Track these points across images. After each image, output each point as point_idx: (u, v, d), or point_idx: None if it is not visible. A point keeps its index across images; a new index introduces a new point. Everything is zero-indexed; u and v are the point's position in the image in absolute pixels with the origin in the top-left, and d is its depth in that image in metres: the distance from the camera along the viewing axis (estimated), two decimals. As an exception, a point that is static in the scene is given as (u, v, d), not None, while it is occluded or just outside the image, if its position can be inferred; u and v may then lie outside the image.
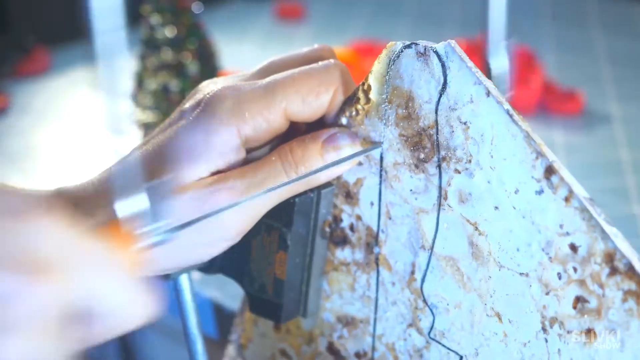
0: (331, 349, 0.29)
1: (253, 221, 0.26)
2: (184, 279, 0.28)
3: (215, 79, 0.28)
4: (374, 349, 0.28)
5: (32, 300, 0.16)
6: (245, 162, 0.26)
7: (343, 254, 0.28)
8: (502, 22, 0.26)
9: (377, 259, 0.27)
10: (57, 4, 0.70)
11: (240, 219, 0.25)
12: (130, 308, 0.18)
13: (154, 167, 0.25)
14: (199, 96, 0.26)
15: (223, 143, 0.25)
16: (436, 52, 0.25)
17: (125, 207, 0.20)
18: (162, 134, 0.26)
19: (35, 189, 0.26)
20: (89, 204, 0.25)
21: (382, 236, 0.27)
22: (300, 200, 0.27)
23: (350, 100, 0.27)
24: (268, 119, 0.25)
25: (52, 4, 0.69)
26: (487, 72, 0.27)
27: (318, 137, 0.26)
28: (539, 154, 0.24)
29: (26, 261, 0.17)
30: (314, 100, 0.26)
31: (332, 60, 0.27)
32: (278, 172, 0.25)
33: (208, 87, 0.27)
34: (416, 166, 0.26)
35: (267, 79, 0.26)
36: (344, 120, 0.27)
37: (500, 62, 0.27)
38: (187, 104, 0.26)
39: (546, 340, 0.24)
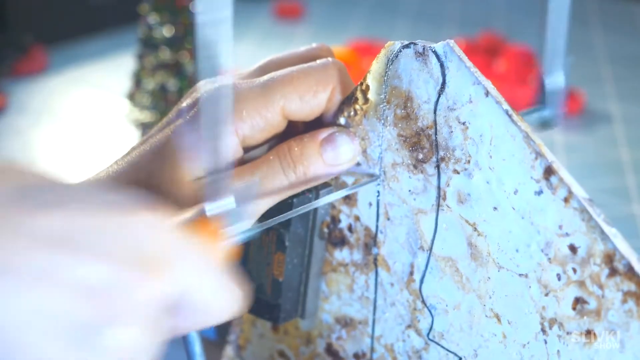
0: (330, 350, 0.29)
1: (254, 218, 0.26)
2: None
3: (213, 78, 0.27)
4: (372, 350, 0.28)
5: (139, 293, 0.17)
6: (242, 162, 0.26)
7: (341, 254, 0.28)
8: (562, 35, 0.26)
9: (375, 260, 0.27)
10: (54, 3, 0.69)
11: None
12: (222, 302, 0.19)
13: (151, 167, 0.25)
14: (196, 95, 0.26)
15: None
16: (435, 52, 0.25)
17: (213, 206, 0.21)
18: (160, 133, 0.26)
19: None
20: None
21: (380, 237, 0.27)
22: (298, 201, 0.26)
23: (348, 100, 0.27)
24: (266, 117, 0.25)
25: (49, 3, 0.69)
26: (542, 89, 0.27)
27: (317, 135, 0.26)
28: (538, 155, 0.23)
29: (134, 256, 0.17)
30: (311, 98, 0.26)
31: (329, 59, 0.26)
32: (276, 171, 0.25)
33: (206, 85, 0.27)
34: (415, 166, 0.26)
35: (265, 77, 0.26)
36: (342, 120, 0.27)
37: (556, 78, 0.27)
38: (185, 103, 0.26)
39: (545, 342, 0.24)
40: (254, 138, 0.26)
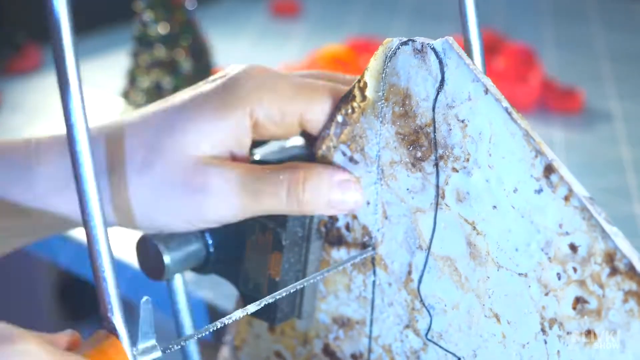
0: (327, 350, 0.28)
1: (238, 218, 0.26)
2: (177, 280, 0.28)
3: (253, 65, 0.27)
4: (370, 350, 0.28)
5: None
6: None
7: (339, 254, 0.28)
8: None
9: (373, 259, 0.27)
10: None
11: (225, 208, 0.25)
12: None
13: (160, 127, 0.25)
14: (229, 69, 0.27)
15: (234, 121, 0.25)
16: (433, 49, 0.24)
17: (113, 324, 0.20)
18: (181, 94, 0.26)
19: (27, 138, 0.26)
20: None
21: (378, 236, 0.27)
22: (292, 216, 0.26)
23: (345, 98, 0.26)
24: (283, 114, 0.25)
25: (43, 1, 0.68)
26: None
27: (334, 176, 0.26)
28: (538, 153, 0.23)
29: None
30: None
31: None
32: (279, 192, 0.25)
33: (242, 65, 0.27)
34: (413, 165, 0.25)
35: (299, 80, 0.26)
36: (339, 118, 0.26)
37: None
38: (217, 74, 0.27)
39: (545, 342, 0.24)
40: (265, 128, 0.26)
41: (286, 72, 0.27)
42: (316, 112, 0.26)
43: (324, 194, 0.26)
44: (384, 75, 0.25)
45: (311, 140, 0.27)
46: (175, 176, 0.24)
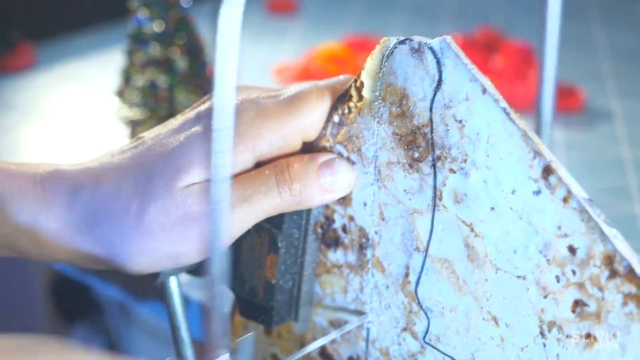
0: (324, 353, 0.28)
1: (236, 235, 0.25)
2: (172, 282, 0.27)
3: (241, 87, 0.27)
4: (367, 353, 0.27)
5: None
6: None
7: (335, 255, 0.27)
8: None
9: (370, 261, 0.27)
10: (44, -2, 0.68)
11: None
12: None
13: (154, 168, 0.24)
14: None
15: (237, 159, 0.24)
16: (431, 48, 0.24)
17: None
18: (172, 136, 0.25)
19: (29, 169, 0.25)
20: (92, 191, 0.24)
21: (375, 237, 0.26)
22: (288, 217, 0.26)
23: (342, 98, 0.26)
24: (286, 136, 0.25)
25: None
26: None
27: (316, 158, 0.25)
28: (537, 153, 0.23)
29: None
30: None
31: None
32: (270, 186, 0.25)
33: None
34: (410, 165, 0.25)
35: (291, 93, 0.25)
36: (336, 118, 0.26)
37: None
38: (205, 106, 0.26)
39: (544, 345, 0.24)
40: (270, 156, 0.25)
41: (271, 88, 0.26)
42: (316, 120, 0.25)
43: (312, 178, 0.25)
44: (381, 74, 0.25)
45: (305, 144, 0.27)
46: (170, 218, 0.24)
